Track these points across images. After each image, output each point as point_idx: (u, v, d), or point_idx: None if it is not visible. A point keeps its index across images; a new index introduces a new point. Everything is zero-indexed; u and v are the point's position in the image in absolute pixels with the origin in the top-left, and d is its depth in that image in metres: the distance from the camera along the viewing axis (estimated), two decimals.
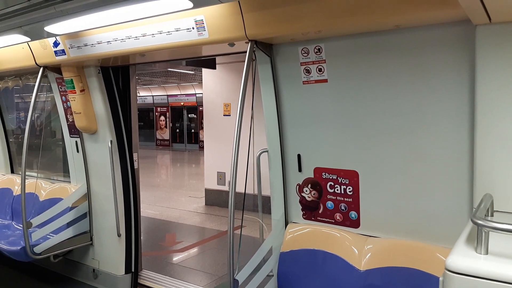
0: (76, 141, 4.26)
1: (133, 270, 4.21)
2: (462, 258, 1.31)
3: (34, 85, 3.86)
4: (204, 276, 4.71)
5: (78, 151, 4.26)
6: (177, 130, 22.67)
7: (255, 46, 2.65)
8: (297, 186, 2.94)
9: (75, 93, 3.92)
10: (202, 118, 10.94)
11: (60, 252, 4.08)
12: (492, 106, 1.98)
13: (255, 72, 2.90)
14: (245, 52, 2.62)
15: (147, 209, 7.57)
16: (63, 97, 4.22)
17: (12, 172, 5.40)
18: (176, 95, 21.81)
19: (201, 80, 8.64)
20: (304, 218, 2.95)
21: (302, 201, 2.94)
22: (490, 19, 1.84)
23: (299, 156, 2.90)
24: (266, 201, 3.03)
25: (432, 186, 2.41)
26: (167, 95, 22.13)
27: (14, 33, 3.00)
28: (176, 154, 20.33)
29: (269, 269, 2.87)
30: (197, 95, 20.41)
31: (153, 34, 2.95)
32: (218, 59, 7.45)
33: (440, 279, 1.35)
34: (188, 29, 2.76)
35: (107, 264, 4.20)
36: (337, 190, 2.78)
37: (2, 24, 2.79)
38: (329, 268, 2.70)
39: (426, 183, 2.43)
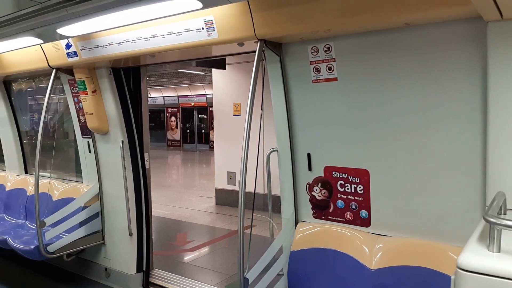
0: (88, 142, 4.31)
1: (144, 269, 4.24)
2: (474, 256, 1.30)
3: (47, 87, 3.92)
4: (214, 275, 4.72)
5: (90, 152, 4.31)
6: (188, 131, 22.78)
7: (264, 45, 2.66)
8: (307, 185, 2.94)
9: (87, 94, 3.97)
10: (212, 119, 10.97)
11: (72, 251, 4.13)
12: (505, 103, 1.96)
13: (265, 72, 2.91)
14: (255, 51, 2.63)
15: (158, 209, 7.62)
16: (75, 98, 4.28)
17: (26, 172, 5.48)
18: (186, 96, 21.92)
19: (211, 80, 8.67)
20: (314, 217, 2.95)
21: (312, 200, 2.94)
22: (501, 15, 1.82)
23: (309, 155, 2.89)
24: (276, 200, 3.04)
25: (444, 185, 2.39)
26: (178, 96, 22.24)
27: (27, 36, 3.06)
28: (187, 154, 20.43)
29: (279, 268, 2.88)
30: (207, 95, 20.47)
31: (163, 35, 2.97)
32: (227, 60, 7.47)
33: (452, 277, 1.34)
34: (198, 29, 2.77)
35: (119, 263, 4.24)
36: (348, 189, 2.77)
37: (15, 27, 2.84)
38: (339, 267, 2.69)
39: (437, 182, 2.41)
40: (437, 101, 2.34)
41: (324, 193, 2.88)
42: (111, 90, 3.99)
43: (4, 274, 4.74)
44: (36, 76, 5.02)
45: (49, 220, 4.04)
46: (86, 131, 4.28)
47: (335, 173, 2.81)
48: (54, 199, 4.58)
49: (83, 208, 4.21)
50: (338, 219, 2.84)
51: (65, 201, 4.32)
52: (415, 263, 2.42)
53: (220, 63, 7.40)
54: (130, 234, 4.09)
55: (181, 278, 4.41)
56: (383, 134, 2.57)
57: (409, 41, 2.36)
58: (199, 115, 22.22)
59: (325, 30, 2.43)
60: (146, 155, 4.27)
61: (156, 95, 22.60)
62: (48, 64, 3.95)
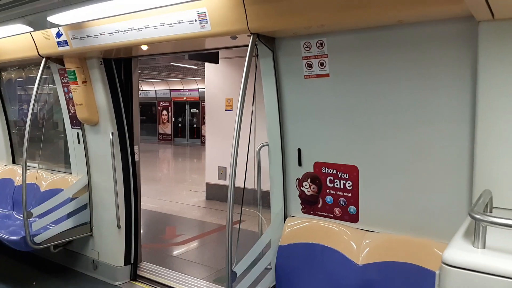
0: (77, 133, 4.27)
1: (132, 261, 4.23)
2: (459, 252, 1.31)
3: (37, 76, 3.87)
4: (203, 269, 4.72)
5: (79, 143, 4.27)
6: (179, 125, 22.69)
7: (257, 39, 2.65)
8: (297, 180, 2.95)
9: (77, 84, 3.92)
10: (204, 114, 10.92)
11: (60, 242, 4.10)
12: (494, 102, 1.98)
13: (257, 67, 2.90)
14: (247, 45, 2.62)
15: (148, 203, 7.58)
16: (65, 88, 4.23)
17: (14, 162, 5.42)
18: (179, 90, 21.82)
19: (204, 75, 8.63)
20: (303, 212, 2.96)
21: (302, 195, 2.95)
22: (493, 15, 1.83)
23: (299, 150, 2.90)
24: (266, 195, 3.04)
25: (431, 182, 2.41)
26: (170, 89, 22.13)
27: (17, 23, 3.01)
28: (178, 148, 20.36)
29: (267, 262, 2.89)
30: (199, 90, 20.41)
31: (155, 26, 2.94)
32: (221, 54, 7.44)
33: (437, 272, 1.35)
34: (191, 21, 2.75)
35: (107, 255, 4.22)
36: (337, 184, 2.78)
37: (5, 14, 2.80)
38: (327, 262, 2.70)
39: (425, 179, 2.43)
40: (427, 99, 2.36)
41: (313, 188, 2.89)
42: (102, 81, 3.95)
43: None
44: (26, 65, 4.95)
45: (36, 211, 4.00)
46: (75, 122, 4.24)
47: (325, 169, 2.82)
48: (42, 189, 4.53)
49: (71, 199, 4.18)
50: (327, 214, 2.86)
51: (53, 192, 4.28)
52: (402, 259, 2.45)
53: (213, 57, 7.37)
54: (119, 227, 4.07)
55: (170, 271, 4.41)
56: (372, 131, 2.58)
57: (401, 39, 2.37)
58: (191, 110, 22.15)
59: (318, 25, 2.43)
60: (136, 148, 4.24)
61: (148, 88, 22.46)
62: (38, 53, 3.89)
